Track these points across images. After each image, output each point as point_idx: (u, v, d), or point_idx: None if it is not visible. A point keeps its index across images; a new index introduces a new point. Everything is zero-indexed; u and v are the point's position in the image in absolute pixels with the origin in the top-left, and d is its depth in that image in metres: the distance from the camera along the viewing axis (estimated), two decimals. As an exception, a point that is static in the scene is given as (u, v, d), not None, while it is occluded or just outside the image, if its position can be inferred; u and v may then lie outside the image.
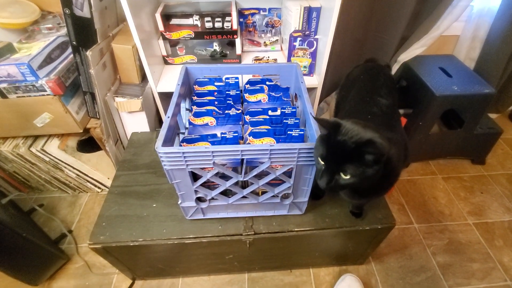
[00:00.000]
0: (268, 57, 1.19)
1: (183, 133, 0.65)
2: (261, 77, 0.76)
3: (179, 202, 0.67)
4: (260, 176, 0.58)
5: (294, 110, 0.65)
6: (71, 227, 1.15)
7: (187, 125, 0.66)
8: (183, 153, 0.50)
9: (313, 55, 1.06)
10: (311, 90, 1.11)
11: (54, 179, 1.16)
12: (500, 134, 1.26)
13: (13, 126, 0.93)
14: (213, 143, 0.58)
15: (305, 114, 0.61)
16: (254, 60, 1.17)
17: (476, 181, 1.31)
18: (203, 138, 0.58)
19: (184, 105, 0.70)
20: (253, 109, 0.65)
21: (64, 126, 0.95)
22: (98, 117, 0.96)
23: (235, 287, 0.97)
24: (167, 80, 1.06)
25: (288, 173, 0.59)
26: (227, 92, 0.72)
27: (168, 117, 0.56)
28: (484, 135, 1.26)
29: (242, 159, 0.53)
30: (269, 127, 0.62)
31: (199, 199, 0.67)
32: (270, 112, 0.65)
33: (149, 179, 0.85)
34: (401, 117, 1.25)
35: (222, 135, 0.58)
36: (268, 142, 0.59)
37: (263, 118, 0.63)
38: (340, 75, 1.32)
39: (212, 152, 0.50)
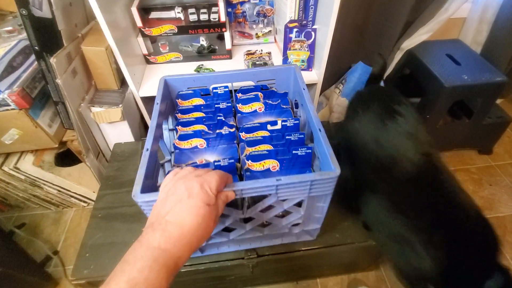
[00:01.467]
0: (261, 50, 1.08)
1: (169, 160, 0.55)
2: (254, 84, 0.65)
3: None
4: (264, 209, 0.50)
5: (297, 122, 0.56)
6: (57, 247, 1.07)
7: (172, 149, 0.56)
8: None
9: (312, 48, 0.95)
10: (310, 86, 1.02)
11: (33, 197, 1.06)
12: (509, 122, 1.20)
13: (-23, 145, 0.82)
14: None
15: (311, 127, 0.52)
16: (246, 54, 1.06)
17: (484, 172, 1.25)
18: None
19: (167, 126, 0.60)
20: (249, 125, 0.56)
21: (36, 142, 0.84)
22: (74, 128, 0.86)
23: (238, 304, 0.90)
24: (151, 82, 0.95)
25: (298, 202, 0.51)
26: (216, 106, 0.61)
27: (147, 150, 0.46)
28: (493, 125, 1.19)
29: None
30: (270, 147, 0.53)
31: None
32: (269, 127, 0.56)
33: (136, 198, 0.76)
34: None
35: (216, 164, 0.49)
36: (270, 165, 0.51)
37: (261, 136, 0.53)
38: (338, 66, 1.22)
39: None
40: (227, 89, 0.64)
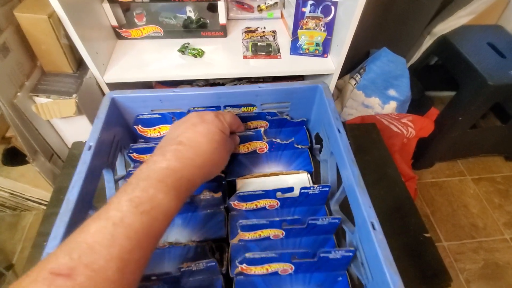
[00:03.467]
0: (264, 28, 0.86)
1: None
2: (256, 110, 0.44)
3: None
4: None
5: (326, 189, 0.36)
6: (13, 259, 0.89)
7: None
8: None
9: (329, 27, 0.74)
10: (324, 76, 0.82)
11: (-21, 200, 0.87)
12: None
13: None
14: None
15: (352, 208, 0.33)
16: (245, 32, 0.84)
17: (511, 182, 1.10)
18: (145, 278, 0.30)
19: (112, 176, 0.38)
20: (245, 193, 0.35)
21: (-36, 139, 0.64)
22: (16, 123, 0.65)
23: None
24: (122, 63, 0.73)
25: None
26: None
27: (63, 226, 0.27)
28: (530, 130, 1.02)
29: None
30: (281, 233, 0.34)
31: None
32: (279, 195, 0.36)
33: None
34: (432, 108, 0.99)
35: (183, 270, 0.30)
36: (279, 268, 0.32)
37: (267, 219, 0.32)
38: (355, 52, 1.01)
39: None
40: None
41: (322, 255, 0.31)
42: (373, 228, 0.29)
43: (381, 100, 0.98)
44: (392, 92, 0.96)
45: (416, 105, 1.02)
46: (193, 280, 0.33)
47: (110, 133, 0.39)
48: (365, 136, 0.76)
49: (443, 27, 0.96)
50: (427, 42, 1.01)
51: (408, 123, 0.89)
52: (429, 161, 1.10)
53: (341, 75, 1.07)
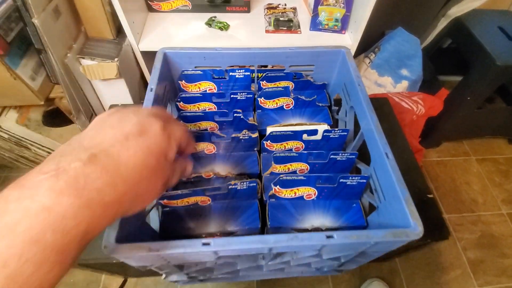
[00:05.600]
0: (285, 4, 0.91)
1: None
2: (285, 70, 0.50)
3: (163, 277, 0.47)
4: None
5: (345, 133, 0.42)
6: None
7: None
8: (161, 255, 0.28)
9: (349, 4, 0.79)
10: (340, 52, 0.87)
11: (21, 158, 0.96)
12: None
13: None
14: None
15: (369, 147, 0.40)
16: (267, 8, 0.89)
17: (513, 164, 1.15)
18: (196, 192, 0.37)
19: None
20: (277, 132, 0.42)
21: (16, 96, 0.72)
22: (62, 84, 0.72)
23: (242, 286, 0.85)
24: (153, 34, 0.79)
25: None
26: (232, 96, 0.46)
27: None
28: (535, 113, 1.06)
29: None
30: (306, 167, 0.40)
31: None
32: (305, 137, 0.42)
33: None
34: (442, 89, 1.03)
35: (231, 188, 0.37)
36: (304, 192, 0.39)
37: (296, 152, 0.40)
38: (370, 31, 1.05)
39: (216, 252, 0.29)
40: (248, 74, 0.48)
41: (341, 180, 0.38)
42: (387, 157, 0.36)
43: (393, 80, 1.02)
44: (404, 72, 1.00)
45: (427, 87, 1.06)
46: (235, 201, 0.40)
47: (162, 84, 0.46)
48: (377, 109, 0.81)
49: (458, 9, 0.99)
50: (441, 24, 1.05)
51: (419, 101, 0.94)
52: (436, 140, 1.15)
53: (356, 55, 1.12)
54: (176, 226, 0.38)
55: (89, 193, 0.17)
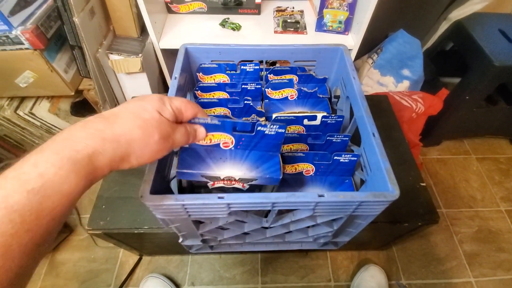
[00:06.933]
0: (293, 7, 0.98)
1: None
2: (290, 65, 0.56)
3: (180, 240, 0.54)
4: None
5: (340, 119, 0.49)
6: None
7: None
8: (184, 205, 0.35)
9: (352, 7, 0.85)
10: (343, 52, 0.93)
11: (49, 145, 1.06)
12: (553, 112, 1.10)
13: (-8, 85, 0.79)
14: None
15: (359, 128, 0.46)
16: (276, 11, 0.96)
17: (514, 163, 1.18)
18: (225, 126, 0.38)
19: None
20: (281, 117, 0.49)
21: (51, 87, 0.80)
22: (91, 77, 0.81)
23: (247, 267, 0.92)
24: (172, 33, 0.87)
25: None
26: (243, 86, 0.53)
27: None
28: (535, 113, 1.09)
29: None
30: (306, 147, 0.47)
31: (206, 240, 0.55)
32: (306, 122, 0.49)
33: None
34: (443, 89, 1.08)
35: (259, 130, 0.43)
36: (303, 168, 0.45)
37: (297, 133, 0.47)
38: (373, 33, 1.11)
39: (229, 204, 0.36)
40: (257, 67, 0.55)
41: (335, 158, 0.44)
42: (374, 136, 0.42)
43: (395, 79, 1.08)
44: (406, 72, 1.06)
45: (429, 88, 1.11)
46: (258, 148, 0.40)
47: (183, 75, 0.54)
48: (377, 105, 0.87)
49: (459, 13, 1.04)
50: (443, 27, 1.09)
51: (418, 99, 0.99)
52: (436, 139, 1.19)
53: (360, 56, 1.18)
54: (194, 162, 0.38)
55: (92, 130, 0.24)
